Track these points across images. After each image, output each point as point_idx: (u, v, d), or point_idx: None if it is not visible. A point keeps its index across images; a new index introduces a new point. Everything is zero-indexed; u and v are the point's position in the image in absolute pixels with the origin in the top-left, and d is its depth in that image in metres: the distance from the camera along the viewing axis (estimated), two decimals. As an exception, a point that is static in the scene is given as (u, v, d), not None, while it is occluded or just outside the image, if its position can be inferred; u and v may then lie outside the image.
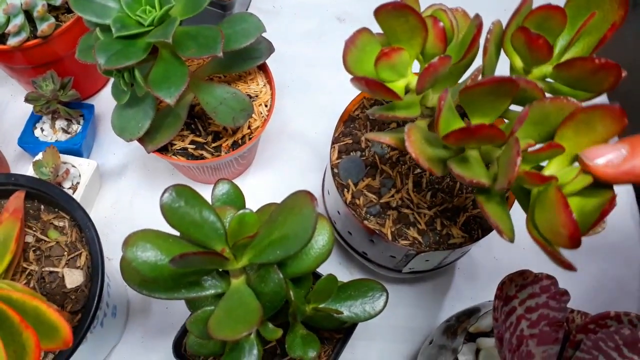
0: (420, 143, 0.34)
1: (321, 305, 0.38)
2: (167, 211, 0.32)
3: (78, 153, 0.55)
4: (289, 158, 0.62)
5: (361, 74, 0.35)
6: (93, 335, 0.43)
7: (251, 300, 0.33)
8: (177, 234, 0.34)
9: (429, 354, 0.45)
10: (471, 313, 0.43)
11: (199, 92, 0.47)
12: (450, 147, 0.36)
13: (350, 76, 0.34)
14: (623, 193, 0.63)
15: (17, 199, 0.42)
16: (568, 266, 0.30)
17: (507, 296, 0.37)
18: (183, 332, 0.44)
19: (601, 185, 0.32)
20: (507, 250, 0.58)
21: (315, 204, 0.33)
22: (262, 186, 0.60)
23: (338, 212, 0.47)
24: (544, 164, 0.34)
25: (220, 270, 0.36)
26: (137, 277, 0.34)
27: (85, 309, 0.40)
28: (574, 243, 0.28)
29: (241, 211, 0.33)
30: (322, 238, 0.36)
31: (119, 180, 0.59)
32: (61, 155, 0.53)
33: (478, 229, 0.44)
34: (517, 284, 0.37)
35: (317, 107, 0.64)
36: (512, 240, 0.33)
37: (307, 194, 0.33)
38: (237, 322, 0.31)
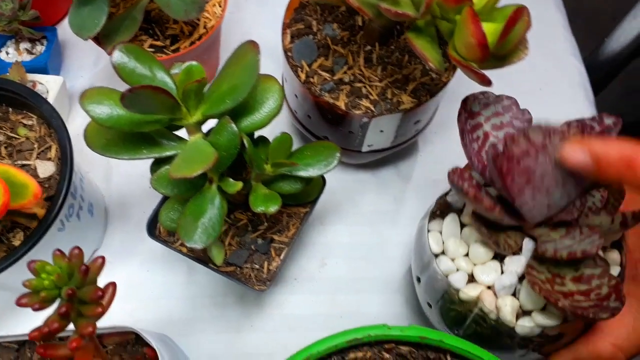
0: (353, -12, 0.36)
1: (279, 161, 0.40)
2: (118, 67, 0.34)
3: (44, 71, 0.57)
4: (252, 68, 0.63)
5: None
6: (71, 227, 0.46)
7: (207, 147, 0.35)
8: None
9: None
10: None
11: (151, -11, 0.48)
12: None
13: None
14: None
15: (-17, 96, 0.43)
16: (482, 77, 0.33)
17: (472, 111, 0.39)
18: (155, 215, 0.46)
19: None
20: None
21: (258, 50, 0.35)
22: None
23: (296, 95, 0.49)
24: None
25: (179, 136, 0.39)
26: (100, 140, 0.37)
27: (57, 191, 0.42)
28: (483, 51, 0.31)
29: (187, 63, 0.35)
30: (272, 98, 0.39)
31: (88, 100, 0.61)
32: (29, 74, 0.55)
33: (427, 94, 0.46)
34: (480, 101, 0.39)
35: (276, 18, 0.65)
36: (438, 69, 0.35)
37: (250, 43, 0.35)
38: (194, 163, 0.34)
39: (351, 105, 0.46)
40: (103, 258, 0.31)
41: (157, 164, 0.40)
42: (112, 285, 0.33)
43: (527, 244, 0.39)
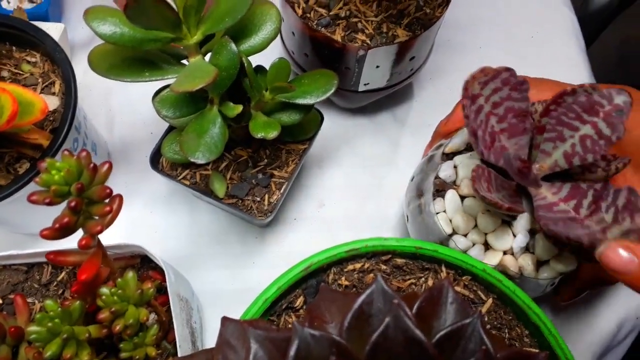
0: None
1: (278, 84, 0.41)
2: (121, -14, 0.35)
3: (45, 19, 0.57)
4: None
5: None
6: (76, 162, 0.47)
7: (207, 66, 0.37)
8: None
9: (415, 184, 0.46)
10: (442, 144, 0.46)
11: None
12: None
13: None
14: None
15: (-13, 32, 0.44)
16: None
17: (473, 95, 0.38)
18: (158, 149, 0.48)
19: None
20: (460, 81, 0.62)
21: (256, -32, 0.36)
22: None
23: (293, 33, 0.50)
24: None
25: (179, 60, 0.40)
26: (104, 63, 0.38)
27: (61, 121, 0.43)
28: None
29: (188, -19, 0.36)
30: (270, 21, 0.40)
31: (89, 49, 0.62)
32: (30, 22, 0.55)
33: (421, 28, 0.47)
34: (479, 81, 0.38)
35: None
36: None
37: (247, -38, 0.36)
38: (195, 78, 0.35)
39: (347, 39, 0.47)
40: (110, 163, 0.32)
41: (161, 92, 0.41)
42: (119, 196, 0.34)
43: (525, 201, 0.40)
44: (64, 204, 0.31)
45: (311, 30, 0.47)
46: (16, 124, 0.35)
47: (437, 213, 0.42)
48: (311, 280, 0.37)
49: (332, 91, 0.42)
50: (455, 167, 0.43)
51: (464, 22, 0.65)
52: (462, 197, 0.42)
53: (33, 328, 0.31)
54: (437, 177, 0.43)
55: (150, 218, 0.55)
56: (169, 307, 0.38)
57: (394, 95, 0.58)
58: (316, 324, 0.31)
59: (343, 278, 0.37)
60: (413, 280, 0.38)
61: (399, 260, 0.38)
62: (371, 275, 0.38)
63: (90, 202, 0.31)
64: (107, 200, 0.31)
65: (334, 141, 0.59)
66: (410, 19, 0.48)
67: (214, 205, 0.53)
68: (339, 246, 0.37)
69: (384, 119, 0.60)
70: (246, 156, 0.49)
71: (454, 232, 0.41)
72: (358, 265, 0.38)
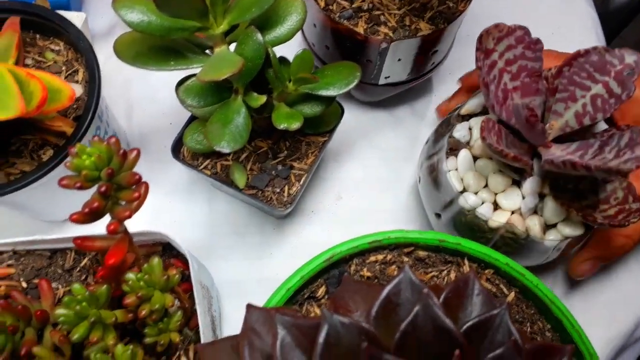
0: None
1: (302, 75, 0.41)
2: (150, -26, 0.36)
3: (67, 8, 0.58)
4: None
5: None
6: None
7: (233, 56, 0.37)
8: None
9: (430, 144, 0.48)
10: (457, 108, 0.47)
11: None
12: None
13: None
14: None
15: (12, 19, 0.45)
16: None
17: (487, 49, 0.39)
18: (180, 138, 0.48)
19: None
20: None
21: (284, -42, 0.36)
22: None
23: (314, 25, 0.50)
24: None
25: (204, 50, 0.40)
26: (130, 51, 0.38)
27: (85, 109, 0.43)
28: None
29: (216, -29, 0.36)
30: (295, 12, 0.40)
31: (109, 39, 0.62)
32: (54, 11, 0.56)
33: (444, 22, 0.47)
34: (494, 36, 0.39)
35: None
36: None
37: (274, -48, 0.36)
38: (222, 68, 0.35)
39: (370, 32, 0.47)
40: (138, 150, 0.32)
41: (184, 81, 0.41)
42: (145, 184, 0.34)
43: (536, 163, 0.41)
44: (87, 192, 0.31)
45: (333, 23, 0.47)
46: (43, 111, 0.36)
47: (449, 170, 0.43)
48: (333, 271, 0.38)
49: (355, 83, 0.42)
50: (470, 128, 0.44)
51: (484, 17, 0.65)
52: (475, 158, 0.43)
53: (61, 311, 0.32)
54: (451, 137, 0.44)
55: (169, 207, 0.55)
56: (191, 294, 0.38)
57: (413, 89, 0.58)
58: (341, 312, 0.31)
59: (365, 269, 0.38)
60: (435, 273, 0.38)
61: (422, 253, 0.38)
62: (393, 267, 0.38)
63: (118, 187, 0.31)
64: (134, 187, 0.31)
65: (352, 134, 0.59)
66: (433, 13, 0.48)
67: (232, 196, 0.54)
68: (361, 237, 0.37)
69: (402, 112, 0.60)
70: (266, 147, 0.49)
71: (465, 190, 0.42)
72: (380, 257, 0.38)
